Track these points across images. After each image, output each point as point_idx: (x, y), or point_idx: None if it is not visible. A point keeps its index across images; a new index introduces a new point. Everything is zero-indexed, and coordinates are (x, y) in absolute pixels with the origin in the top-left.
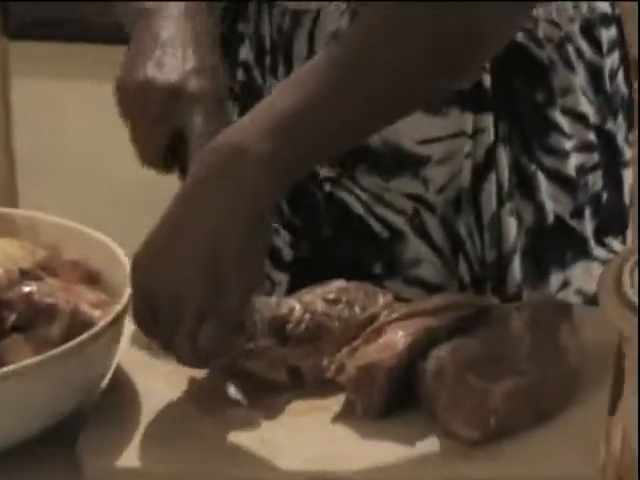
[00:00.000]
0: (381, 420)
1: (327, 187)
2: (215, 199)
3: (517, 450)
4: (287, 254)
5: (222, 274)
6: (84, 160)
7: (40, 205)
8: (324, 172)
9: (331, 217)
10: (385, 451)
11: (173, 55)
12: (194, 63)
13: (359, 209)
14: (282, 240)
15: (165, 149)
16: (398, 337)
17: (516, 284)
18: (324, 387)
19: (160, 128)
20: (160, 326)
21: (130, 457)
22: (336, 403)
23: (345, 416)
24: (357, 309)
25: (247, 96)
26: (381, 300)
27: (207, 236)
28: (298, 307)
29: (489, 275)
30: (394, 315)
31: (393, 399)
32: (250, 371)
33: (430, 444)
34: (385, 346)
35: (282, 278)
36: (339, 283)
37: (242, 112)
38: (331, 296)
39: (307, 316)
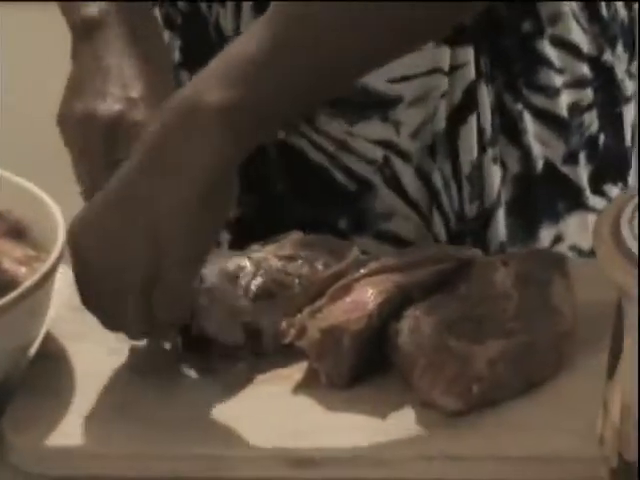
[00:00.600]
0: (349, 390)
1: (280, 134)
2: (172, 157)
3: (503, 422)
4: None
5: (169, 242)
6: (9, 93)
7: None
8: None
9: (284, 169)
10: (354, 425)
11: (116, 83)
12: (139, 91)
13: (320, 158)
14: None
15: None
16: (367, 295)
17: (500, 241)
18: (285, 353)
19: (102, 164)
20: (105, 301)
21: (62, 435)
22: (299, 371)
23: (308, 386)
24: (319, 266)
25: (190, 29)
26: (348, 255)
27: (155, 199)
28: (248, 264)
29: (469, 231)
30: (363, 271)
31: (362, 366)
32: (202, 333)
33: (405, 416)
34: (353, 305)
35: (223, 238)
36: (295, 236)
37: (185, 48)
38: (286, 252)
39: (261, 272)
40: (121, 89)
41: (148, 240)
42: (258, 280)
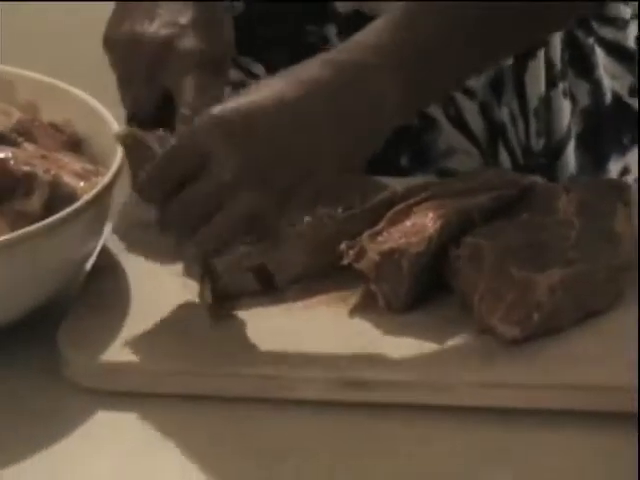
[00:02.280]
0: (406, 313)
1: None
2: (340, 102)
3: (561, 351)
4: None
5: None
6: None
7: (14, 58)
8: None
9: None
10: (411, 348)
11: (166, 6)
12: (189, 16)
13: None
14: None
15: (153, 110)
16: (427, 219)
17: (568, 175)
18: (342, 275)
19: (146, 90)
20: (182, 198)
21: (116, 351)
22: (355, 294)
23: (365, 309)
24: (340, 209)
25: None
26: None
27: (314, 131)
28: None
29: (535, 166)
30: (423, 194)
31: (420, 290)
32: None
33: (463, 342)
34: (412, 229)
35: None
36: None
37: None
38: None
39: None
40: (170, 14)
41: (297, 165)
42: None
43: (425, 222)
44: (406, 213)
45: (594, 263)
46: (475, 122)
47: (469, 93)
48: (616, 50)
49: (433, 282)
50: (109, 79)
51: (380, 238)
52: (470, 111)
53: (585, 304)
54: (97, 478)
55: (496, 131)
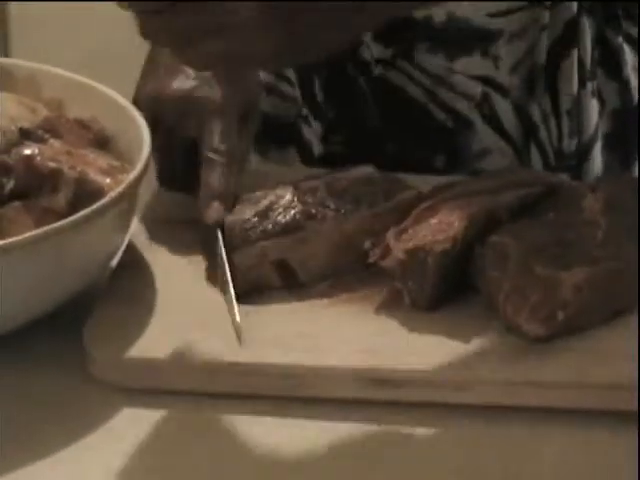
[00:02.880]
0: (431, 312)
1: (377, 70)
2: None
3: (588, 350)
4: (317, 148)
5: None
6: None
7: (41, 55)
8: (375, 52)
9: (381, 105)
10: (436, 347)
11: None
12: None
13: (417, 94)
14: (313, 132)
15: (182, 164)
16: (453, 217)
17: (596, 176)
18: (368, 273)
19: (173, 141)
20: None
21: (142, 348)
22: (381, 292)
23: (390, 306)
24: (364, 206)
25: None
26: (404, 194)
27: None
28: (288, 195)
29: (567, 167)
30: (449, 192)
31: (445, 288)
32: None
33: (488, 340)
34: (438, 227)
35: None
36: (363, 170)
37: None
38: (340, 186)
39: (294, 204)
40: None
41: None
42: (290, 212)
43: (451, 220)
44: (432, 211)
45: (620, 261)
46: (509, 121)
47: (503, 92)
48: None
49: (459, 280)
50: (135, 75)
51: (405, 236)
52: (504, 110)
53: (612, 302)
54: (122, 474)
55: (528, 131)
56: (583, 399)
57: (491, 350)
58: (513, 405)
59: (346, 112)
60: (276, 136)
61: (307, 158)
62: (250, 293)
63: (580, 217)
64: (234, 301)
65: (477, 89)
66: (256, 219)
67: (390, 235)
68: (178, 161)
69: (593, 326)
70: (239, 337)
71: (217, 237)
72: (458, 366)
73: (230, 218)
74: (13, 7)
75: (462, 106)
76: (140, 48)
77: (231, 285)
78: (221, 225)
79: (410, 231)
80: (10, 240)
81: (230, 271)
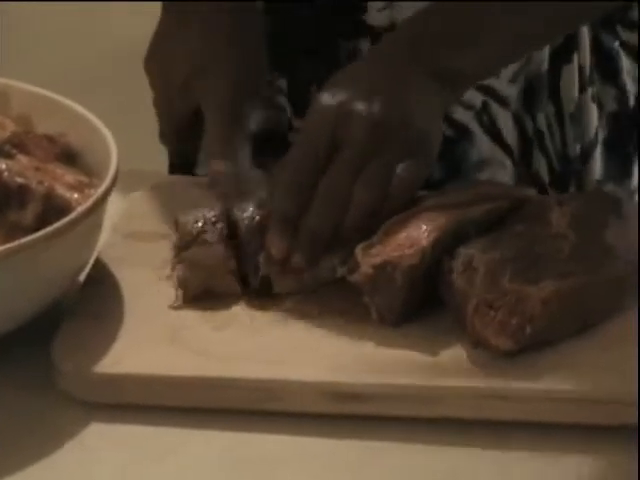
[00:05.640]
0: (399, 326)
1: None
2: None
3: (556, 363)
4: None
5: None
6: (64, 18)
7: (8, 71)
8: None
9: None
10: (403, 361)
11: (201, 25)
12: (224, 33)
13: None
14: None
15: (184, 123)
16: (422, 232)
17: (595, 180)
18: (336, 287)
19: (179, 102)
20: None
21: (111, 362)
22: (350, 306)
23: (359, 321)
24: None
25: None
26: None
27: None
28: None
29: (572, 172)
30: (417, 207)
31: (414, 303)
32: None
33: (456, 354)
34: (406, 241)
35: None
36: None
37: None
38: None
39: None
40: (205, 32)
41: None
42: (253, 220)
43: (419, 235)
44: (400, 226)
45: (589, 275)
46: (509, 132)
47: (503, 102)
48: (637, 54)
49: (427, 295)
50: (103, 91)
51: (373, 251)
52: (504, 120)
53: (581, 316)
54: None
55: (530, 141)
56: (552, 412)
57: (459, 364)
58: (481, 419)
59: None
60: (272, 148)
61: None
62: (218, 307)
63: (548, 231)
64: None
65: (477, 98)
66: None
67: (358, 250)
68: (176, 121)
69: (561, 339)
70: None
71: None
72: (426, 380)
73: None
74: None
75: (462, 116)
76: (108, 64)
77: None
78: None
79: (378, 246)
80: None
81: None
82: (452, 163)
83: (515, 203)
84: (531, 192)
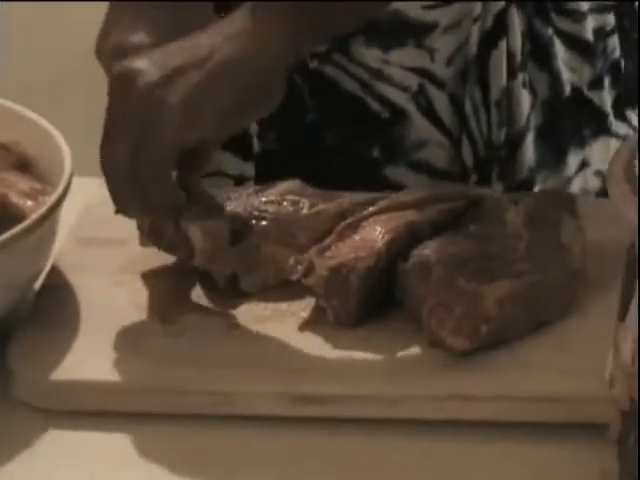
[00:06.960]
0: (356, 328)
1: (313, 64)
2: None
3: (513, 362)
4: (255, 144)
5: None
6: (19, 26)
7: None
8: None
9: (316, 99)
10: (360, 364)
11: (149, 15)
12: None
13: (353, 87)
14: (251, 130)
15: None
16: (376, 233)
17: (528, 167)
18: (292, 290)
19: None
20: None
21: (67, 369)
22: (305, 309)
23: (315, 324)
24: (304, 208)
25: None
26: (342, 200)
27: None
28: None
29: (496, 158)
30: (372, 209)
31: (370, 305)
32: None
33: (413, 355)
34: (361, 244)
35: (248, 173)
36: (292, 184)
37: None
38: (271, 197)
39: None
40: (153, 22)
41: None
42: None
43: (374, 236)
44: (354, 228)
45: (543, 274)
46: (445, 113)
47: (439, 84)
48: (575, 43)
49: (383, 296)
50: (59, 99)
51: (328, 253)
52: (440, 102)
53: (536, 315)
54: None
55: (462, 122)
56: (509, 412)
57: (416, 364)
58: (439, 419)
59: (282, 109)
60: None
61: (247, 156)
62: (173, 316)
63: (502, 230)
64: None
65: (413, 81)
66: None
67: (313, 252)
68: None
69: (517, 338)
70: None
71: None
72: (383, 381)
73: None
74: None
75: (398, 97)
76: (64, 74)
77: None
78: None
79: (333, 248)
80: None
81: None
82: (390, 143)
83: (470, 203)
84: (486, 192)
